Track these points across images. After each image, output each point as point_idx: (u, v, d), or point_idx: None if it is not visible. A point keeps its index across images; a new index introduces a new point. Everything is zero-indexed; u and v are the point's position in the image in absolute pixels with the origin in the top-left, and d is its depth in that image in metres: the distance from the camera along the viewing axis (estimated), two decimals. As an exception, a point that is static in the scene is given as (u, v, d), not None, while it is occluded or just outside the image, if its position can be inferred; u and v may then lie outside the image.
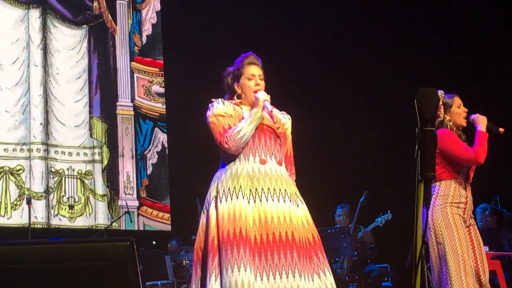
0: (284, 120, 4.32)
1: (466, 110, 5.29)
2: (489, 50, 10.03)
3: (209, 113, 4.20)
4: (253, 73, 4.26)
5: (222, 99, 4.25)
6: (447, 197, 5.08)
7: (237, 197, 4.04)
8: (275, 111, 4.33)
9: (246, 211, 4.01)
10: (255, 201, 4.05)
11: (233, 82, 4.31)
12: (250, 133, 4.10)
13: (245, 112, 4.22)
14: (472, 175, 5.24)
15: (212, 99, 4.26)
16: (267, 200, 4.06)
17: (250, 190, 4.06)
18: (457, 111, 5.26)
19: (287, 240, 4.01)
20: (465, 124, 5.27)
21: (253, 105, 4.22)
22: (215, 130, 4.15)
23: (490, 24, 10.09)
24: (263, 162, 4.14)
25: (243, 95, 4.28)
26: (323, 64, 10.41)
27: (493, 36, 10.07)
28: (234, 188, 4.06)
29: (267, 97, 4.19)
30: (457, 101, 5.28)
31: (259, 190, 4.07)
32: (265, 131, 4.19)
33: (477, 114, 5.27)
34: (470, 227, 5.16)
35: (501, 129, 5.26)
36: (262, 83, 4.28)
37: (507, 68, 9.97)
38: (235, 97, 4.30)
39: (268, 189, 4.09)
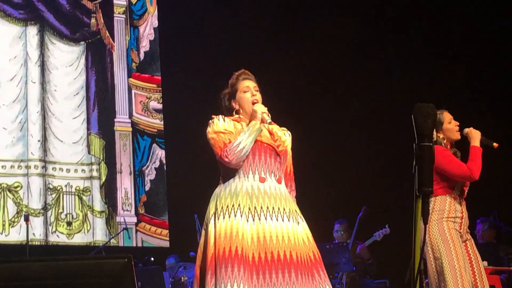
0: (284, 137, 4.31)
1: (458, 123, 5.27)
2: (481, 63, 10.06)
3: (209, 129, 4.19)
4: (248, 85, 4.28)
5: (222, 116, 4.25)
6: (443, 212, 5.07)
7: (235, 215, 4.02)
8: (275, 128, 4.32)
9: (244, 229, 4.00)
10: (253, 219, 4.03)
11: (230, 102, 4.32)
12: (249, 145, 4.09)
13: (245, 128, 4.21)
14: (466, 190, 5.23)
15: (212, 116, 4.26)
16: (266, 218, 4.05)
17: (249, 208, 4.05)
18: (449, 127, 5.24)
19: (285, 259, 3.99)
20: (459, 137, 5.26)
21: (251, 118, 4.21)
22: (215, 145, 4.13)
23: (483, 38, 10.13)
24: (262, 180, 4.13)
25: (241, 110, 4.28)
26: (321, 80, 10.42)
27: (486, 49, 10.10)
28: (233, 205, 4.05)
29: (265, 109, 4.19)
30: (447, 116, 5.26)
31: (258, 208, 4.06)
32: (265, 149, 4.18)
33: (471, 128, 5.24)
34: (467, 242, 5.15)
35: (495, 144, 5.23)
36: (258, 95, 4.28)
37: (499, 81, 10.00)
38: (233, 113, 4.30)
39: (267, 207, 4.07)
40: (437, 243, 5.01)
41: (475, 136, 5.20)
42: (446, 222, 5.05)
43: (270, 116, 4.18)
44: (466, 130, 5.25)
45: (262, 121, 4.17)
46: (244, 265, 3.93)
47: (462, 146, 5.30)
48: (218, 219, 4.05)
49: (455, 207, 5.11)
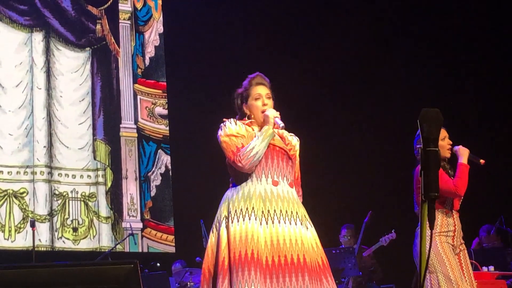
0: (294, 142, 4.32)
1: (451, 142, 5.37)
2: (489, 74, 10.08)
3: (221, 132, 4.19)
4: (260, 93, 4.26)
5: (234, 119, 4.25)
6: (435, 227, 5.15)
7: (249, 218, 4.03)
8: (285, 133, 4.32)
9: (258, 233, 4.01)
10: (267, 223, 4.04)
11: (242, 104, 4.31)
12: (262, 150, 4.09)
13: (257, 133, 4.20)
14: (459, 203, 5.30)
15: (224, 119, 4.25)
16: (279, 222, 4.06)
17: (263, 212, 4.06)
18: (441, 143, 5.32)
19: (298, 263, 4.01)
20: (448, 155, 5.37)
21: (262, 125, 4.21)
22: (227, 149, 4.13)
23: (487, 48, 10.15)
24: (275, 183, 4.13)
25: (252, 116, 4.28)
26: (327, 85, 10.42)
27: (490, 56, 10.12)
28: (247, 209, 4.05)
29: (277, 113, 4.19)
30: (442, 133, 5.33)
31: (272, 211, 4.06)
32: (277, 152, 4.18)
33: (460, 146, 5.36)
34: (460, 253, 5.23)
35: (481, 161, 5.37)
36: (270, 102, 4.27)
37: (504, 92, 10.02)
38: (245, 118, 4.29)
39: (280, 211, 4.08)
40: (430, 258, 5.07)
41: (463, 153, 5.33)
42: (438, 237, 5.16)
43: (281, 120, 4.19)
44: (455, 147, 5.36)
45: (275, 125, 4.17)
46: (260, 268, 3.94)
47: (451, 163, 5.39)
48: (232, 222, 4.05)
49: (447, 221, 5.21)
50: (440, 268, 5.04)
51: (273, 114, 4.17)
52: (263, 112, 4.22)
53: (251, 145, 4.08)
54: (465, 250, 5.31)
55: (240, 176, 4.16)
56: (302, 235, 4.08)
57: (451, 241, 5.16)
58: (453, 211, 5.26)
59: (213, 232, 4.15)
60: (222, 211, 4.14)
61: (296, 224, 4.09)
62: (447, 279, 5.02)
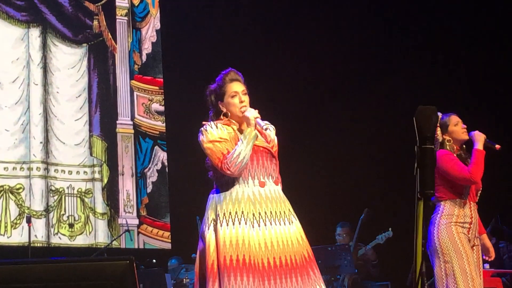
0: (273, 135, 4.30)
1: (465, 126, 5.31)
2: (486, 65, 10.07)
3: (203, 138, 4.16)
4: (236, 90, 4.22)
5: (214, 122, 4.20)
6: (452, 217, 5.10)
7: (239, 223, 4.02)
8: (261, 122, 4.27)
9: (251, 237, 4.01)
10: (259, 225, 4.04)
11: (217, 101, 4.27)
12: (249, 153, 4.07)
13: (238, 134, 4.17)
14: (477, 194, 5.25)
15: (203, 122, 4.22)
16: (271, 224, 4.07)
17: (253, 215, 4.06)
18: (455, 129, 5.28)
19: (291, 263, 4.04)
20: (467, 137, 5.29)
21: (240, 121, 4.20)
22: (213, 156, 4.10)
23: (484, 40, 10.14)
24: (262, 184, 4.13)
25: (229, 114, 4.24)
26: (322, 81, 10.42)
27: (489, 52, 10.11)
28: (236, 212, 4.04)
29: (257, 114, 4.15)
30: (453, 119, 5.30)
31: (262, 214, 4.07)
32: (261, 152, 4.17)
33: (476, 131, 5.29)
34: (474, 248, 5.18)
35: (497, 146, 5.29)
36: (246, 98, 4.23)
37: (503, 84, 10.01)
38: (222, 116, 4.26)
39: (271, 212, 4.09)
40: (447, 247, 5.04)
41: (478, 139, 5.25)
42: (454, 227, 5.09)
43: (261, 120, 4.15)
44: (471, 133, 5.31)
45: (256, 126, 4.14)
46: (254, 272, 3.95)
47: (468, 149, 5.35)
48: (221, 225, 4.03)
49: (464, 212, 5.13)
50: (456, 259, 5.01)
51: (253, 115, 4.13)
52: (241, 109, 4.18)
53: (237, 150, 4.05)
54: (479, 246, 5.26)
55: (225, 180, 4.14)
56: (292, 235, 4.10)
57: (467, 233, 5.11)
58: (471, 202, 5.21)
59: (201, 235, 4.14)
60: (209, 214, 4.12)
61: (285, 224, 4.11)
62: (463, 271, 4.98)
